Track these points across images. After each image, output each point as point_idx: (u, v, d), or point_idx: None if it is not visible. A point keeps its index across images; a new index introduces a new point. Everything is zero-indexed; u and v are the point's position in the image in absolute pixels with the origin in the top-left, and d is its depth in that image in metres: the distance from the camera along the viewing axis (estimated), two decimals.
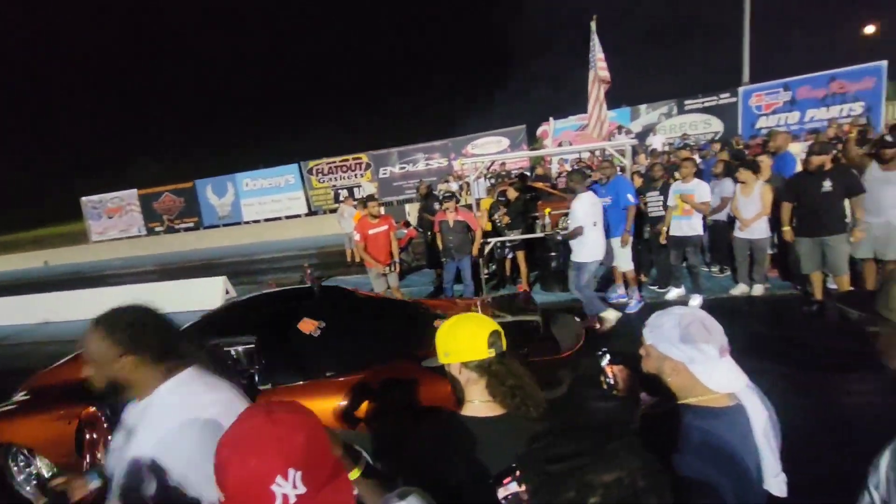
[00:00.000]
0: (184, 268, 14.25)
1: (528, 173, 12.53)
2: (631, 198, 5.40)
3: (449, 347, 1.24)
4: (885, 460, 1.02)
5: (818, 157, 4.69)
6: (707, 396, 1.13)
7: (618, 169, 6.16)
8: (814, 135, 8.72)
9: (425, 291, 7.48)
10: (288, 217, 19.13)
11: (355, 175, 18.60)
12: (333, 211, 15.16)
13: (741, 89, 13.22)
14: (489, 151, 16.93)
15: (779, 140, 6.14)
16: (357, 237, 5.91)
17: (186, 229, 20.29)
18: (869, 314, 1.04)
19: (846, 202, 4.64)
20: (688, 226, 5.37)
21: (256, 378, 2.80)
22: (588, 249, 4.96)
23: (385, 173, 18.40)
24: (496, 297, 5.29)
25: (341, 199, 13.83)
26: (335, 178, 18.71)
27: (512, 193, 6.45)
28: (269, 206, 19.41)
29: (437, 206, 7.28)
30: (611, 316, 5.03)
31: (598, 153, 11.09)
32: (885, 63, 11.42)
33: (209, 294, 8.42)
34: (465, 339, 1.23)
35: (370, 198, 6.06)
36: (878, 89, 11.43)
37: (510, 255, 6.95)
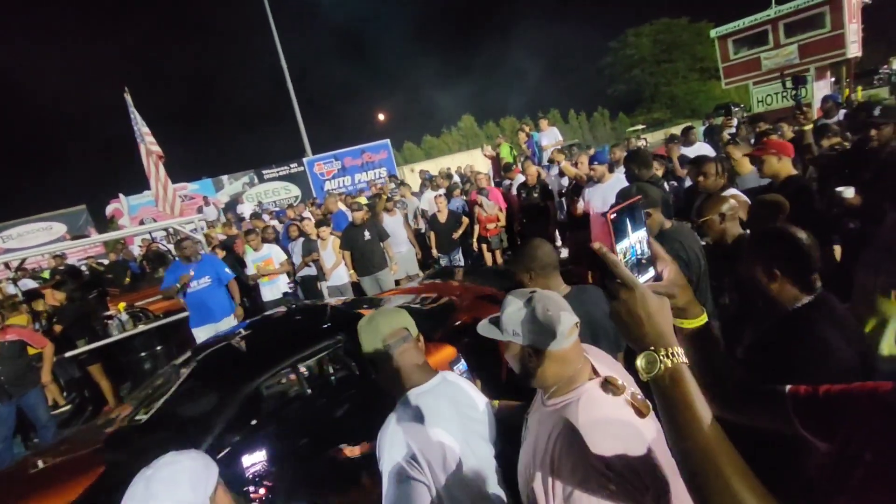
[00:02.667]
0: None
1: (104, 262, 10.37)
2: (229, 271, 5.31)
3: None
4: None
5: (357, 214, 6.10)
6: None
7: (200, 247, 5.92)
8: (358, 194, 11.33)
9: None
10: None
11: None
12: None
13: (305, 160, 15.64)
14: (34, 243, 12.88)
15: (328, 204, 7.56)
16: None
17: None
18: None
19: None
20: (275, 289, 5.81)
21: None
22: None
23: None
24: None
25: None
26: None
27: (58, 296, 5.10)
28: None
29: None
30: None
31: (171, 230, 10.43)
32: (389, 140, 16.48)
33: None
34: None
35: None
36: (390, 158, 16.31)
37: (77, 375, 5.48)
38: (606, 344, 1.73)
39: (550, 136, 8.04)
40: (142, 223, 12.77)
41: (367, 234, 5.99)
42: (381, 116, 25.54)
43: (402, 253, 6.36)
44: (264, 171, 15.65)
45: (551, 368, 1.11)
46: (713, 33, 13.80)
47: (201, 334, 5.07)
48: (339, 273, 6.14)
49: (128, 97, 6.43)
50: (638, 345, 0.69)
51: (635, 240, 0.75)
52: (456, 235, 6.37)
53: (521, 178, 6.44)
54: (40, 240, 13.70)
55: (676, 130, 7.41)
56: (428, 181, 9.15)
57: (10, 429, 4.36)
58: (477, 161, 15.59)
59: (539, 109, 30.91)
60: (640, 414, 1.02)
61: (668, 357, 0.66)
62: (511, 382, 1.64)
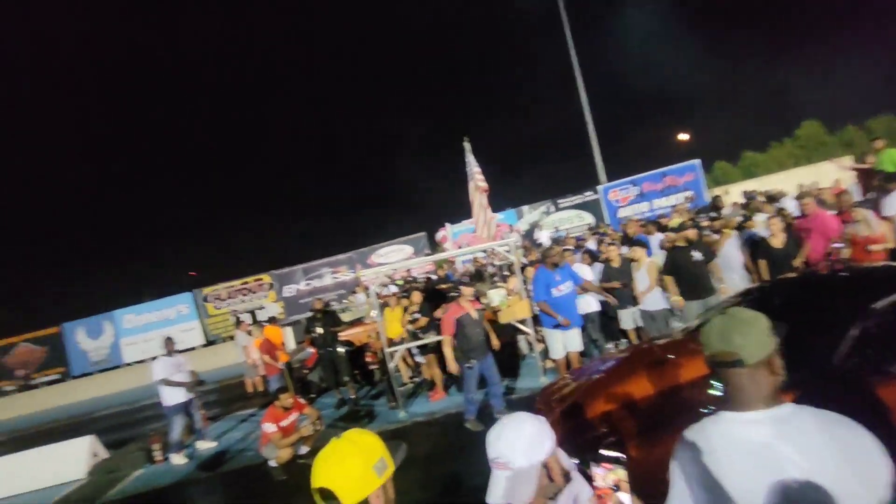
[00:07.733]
0: (42, 431, 11.83)
1: (433, 276, 13.05)
2: (581, 276, 5.59)
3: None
4: None
5: (685, 234, 5.55)
6: None
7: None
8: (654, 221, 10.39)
9: (335, 416, 6.99)
10: (180, 351, 17.22)
11: (257, 297, 17.78)
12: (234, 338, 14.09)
13: (600, 187, 15.64)
14: (393, 259, 17.42)
15: (629, 228, 7.24)
16: (271, 428, 5.10)
17: (49, 383, 17.25)
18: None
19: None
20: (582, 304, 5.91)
21: None
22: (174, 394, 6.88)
23: (290, 291, 17.83)
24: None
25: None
26: (235, 303, 17.68)
27: (417, 297, 6.62)
28: (156, 342, 17.39)
29: (343, 315, 7.13)
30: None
31: (488, 252, 12.03)
32: (699, 161, 14.56)
33: (69, 462, 7.00)
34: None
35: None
36: (699, 180, 14.41)
37: (422, 361, 6.93)
38: None
39: None
40: (459, 247, 15.44)
41: (695, 255, 5.35)
42: (683, 136, 23.08)
43: (734, 280, 5.53)
44: (560, 201, 16.52)
45: None
46: None
47: (552, 338, 5.30)
48: (653, 297, 5.51)
49: (467, 144, 7.96)
50: None
51: None
52: (797, 262, 5.11)
53: None
54: (396, 258, 18.38)
55: None
56: (742, 206, 7.71)
57: (475, 385, 5.01)
58: (826, 177, 12.02)
59: None
60: None
61: None
62: None
